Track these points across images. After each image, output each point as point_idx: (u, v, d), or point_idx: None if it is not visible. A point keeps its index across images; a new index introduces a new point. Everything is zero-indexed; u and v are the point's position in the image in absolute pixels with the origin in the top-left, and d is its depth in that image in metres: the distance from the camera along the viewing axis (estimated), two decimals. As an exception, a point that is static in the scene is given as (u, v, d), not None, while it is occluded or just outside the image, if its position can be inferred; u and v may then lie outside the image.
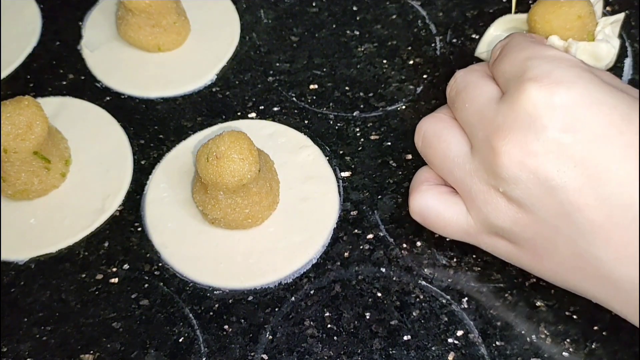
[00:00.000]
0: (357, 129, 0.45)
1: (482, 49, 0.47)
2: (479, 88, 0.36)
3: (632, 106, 0.32)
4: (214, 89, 0.48)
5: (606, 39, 0.43)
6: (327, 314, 0.38)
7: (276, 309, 0.38)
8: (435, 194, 0.37)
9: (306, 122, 0.46)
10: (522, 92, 0.32)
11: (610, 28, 0.43)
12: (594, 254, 0.32)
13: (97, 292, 0.39)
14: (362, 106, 0.46)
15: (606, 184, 0.31)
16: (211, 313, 0.38)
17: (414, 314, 0.38)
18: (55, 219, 0.42)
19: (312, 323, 0.38)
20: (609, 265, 0.31)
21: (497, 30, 0.47)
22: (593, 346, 0.36)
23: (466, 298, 0.38)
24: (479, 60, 0.47)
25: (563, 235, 0.32)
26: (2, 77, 0.49)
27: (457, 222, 0.37)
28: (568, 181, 0.31)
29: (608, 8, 0.50)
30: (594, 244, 0.31)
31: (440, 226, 0.38)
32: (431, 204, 0.37)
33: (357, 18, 0.51)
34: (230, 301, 0.39)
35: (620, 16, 0.44)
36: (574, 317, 0.37)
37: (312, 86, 0.48)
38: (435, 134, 0.38)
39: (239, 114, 0.46)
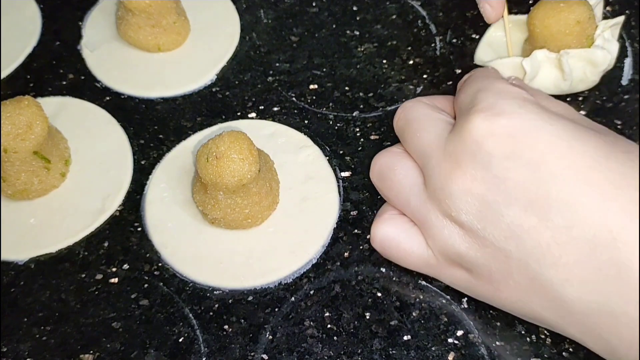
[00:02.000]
0: (357, 129, 0.45)
1: (482, 51, 0.47)
2: (431, 119, 0.37)
3: (572, 130, 0.32)
4: (214, 89, 0.48)
5: (603, 44, 0.42)
6: (327, 314, 0.38)
7: (276, 309, 0.38)
8: (398, 224, 0.37)
9: (306, 122, 0.46)
10: (468, 123, 0.34)
11: (609, 31, 0.43)
12: (544, 276, 0.32)
13: (97, 292, 0.39)
14: (362, 106, 0.46)
15: (549, 205, 0.31)
16: (211, 313, 0.38)
17: (414, 314, 0.38)
18: (55, 219, 0.42)
19: (312, 323, 0.38)
20: (560, 286, 0.31)
21: (497, 31, 0.47)
22: (593, 346, 0.36)
23: (466, 298, 0.38)
24: (478, 65, 0.47)
25: (515, 259, 0.32)
26: (2, 77, 0.49)
27: (418, 253, 0.37)
28: (513, 204, 0.32)
29: (608, 8, 0.50)
30: (544, 266, 0.32)
31: (400, 257, 0.38)
32: (392, 234, 0.37)
33: (357, 18, 0.51)
34: (230, 301, 0.39)
35: (620, 19, 0.44)
36: (574, 317, 0.37)
37: (312, 86, 0.48)
38: (390, 166, 0.38)
39: (239, 114, 0.46)
